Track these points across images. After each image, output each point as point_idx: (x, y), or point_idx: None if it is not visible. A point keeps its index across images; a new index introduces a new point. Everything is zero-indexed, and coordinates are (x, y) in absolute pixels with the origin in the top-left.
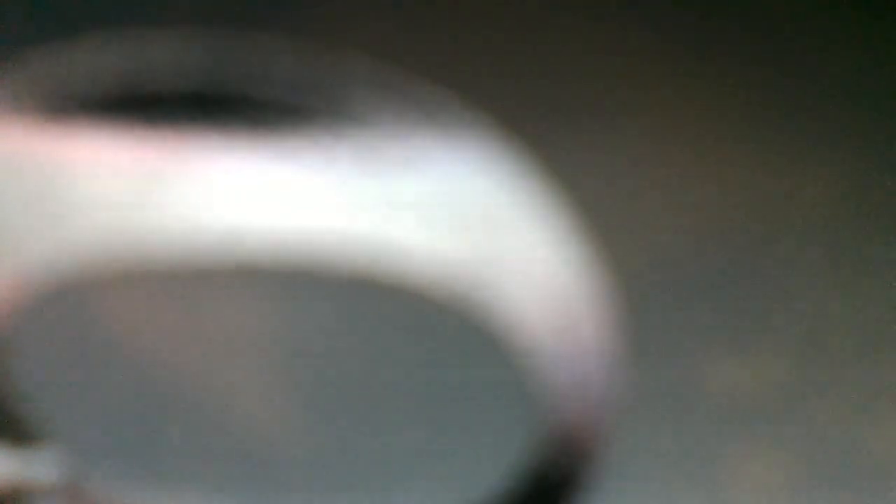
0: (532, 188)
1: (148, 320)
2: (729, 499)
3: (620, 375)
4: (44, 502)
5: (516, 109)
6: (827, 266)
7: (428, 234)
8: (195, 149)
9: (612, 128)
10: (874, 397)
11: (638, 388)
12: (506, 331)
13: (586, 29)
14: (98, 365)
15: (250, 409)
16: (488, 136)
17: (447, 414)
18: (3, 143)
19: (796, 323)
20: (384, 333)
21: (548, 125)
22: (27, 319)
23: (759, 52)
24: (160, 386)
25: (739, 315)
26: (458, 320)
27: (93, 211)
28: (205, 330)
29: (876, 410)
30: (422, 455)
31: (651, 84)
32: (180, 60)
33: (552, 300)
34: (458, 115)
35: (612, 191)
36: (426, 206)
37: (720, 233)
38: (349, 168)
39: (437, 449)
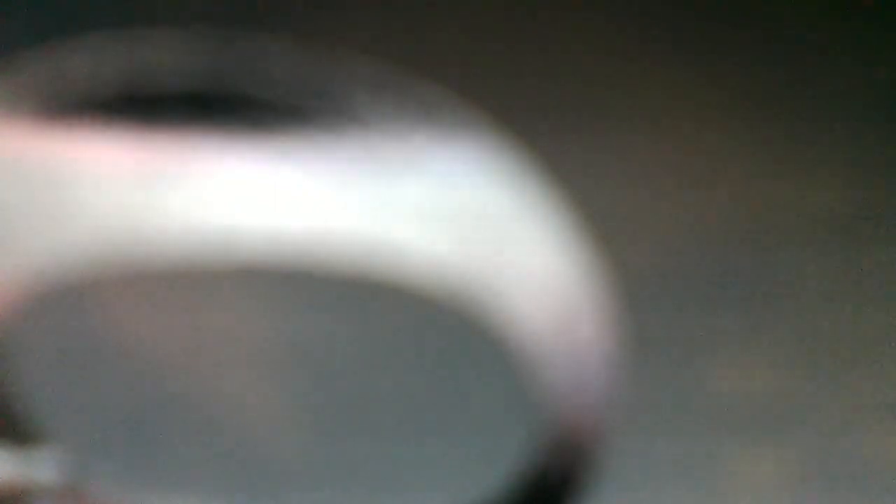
0: (533, 189)
1: (148, 321)
2: (728, 501)
3: (620, 377)
4: (43, 503)
5: (516, 110)
6: (829, 271)
7: (428, 234)
8: (195, 149)
9: (614, 129)
10: (875, 402)
11: (638, 390)
12: (505, 331)
13: (588, 29)
14: (98, 365)
15: (250, 410)
16: (489, 137)
17: (447, 415)
18: (3, 144)
19: (798, 326)
20: (383, 334)
21: (548, 126)
22: (27, 319)
23: (764, 55)
24: (160, 386)
25: (741, 319)
26: (458, 321)
27: (93, 211)
28: (205, 331)
29: (876, 415)
30: (421, 456)
31: (652, 85)
32: (180, 60)
33: (552, 301)
34: (458, 115)
35: (613, 192)
36: (426, 206)
37: (722, 236)
38: (349, 169)
39: (435, 450)
